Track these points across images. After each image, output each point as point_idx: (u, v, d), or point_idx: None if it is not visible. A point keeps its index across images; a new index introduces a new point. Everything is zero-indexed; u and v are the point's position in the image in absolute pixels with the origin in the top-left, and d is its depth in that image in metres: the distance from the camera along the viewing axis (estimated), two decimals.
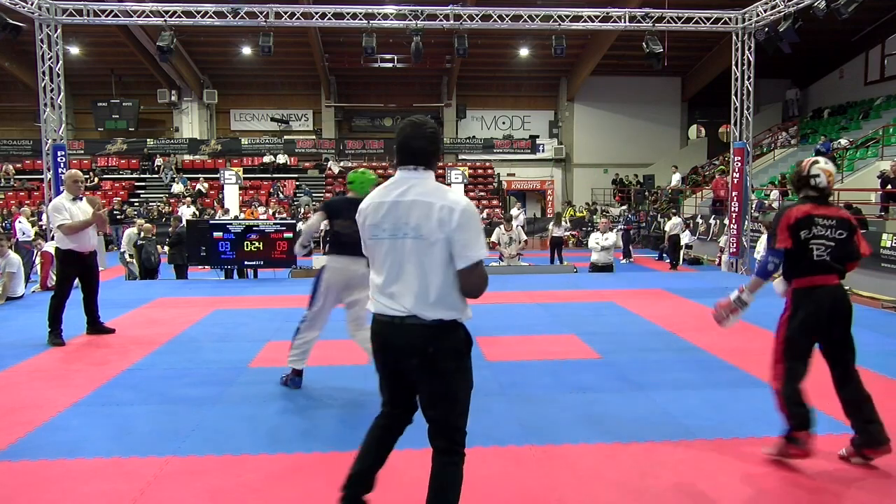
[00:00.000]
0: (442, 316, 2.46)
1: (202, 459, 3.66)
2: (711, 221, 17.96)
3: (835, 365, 3.64)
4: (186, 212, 19.44)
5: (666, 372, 5.28)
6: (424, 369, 2.49)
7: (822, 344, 3.61)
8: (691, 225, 19.21)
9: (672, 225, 16.60)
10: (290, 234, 11.00)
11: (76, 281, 6.48)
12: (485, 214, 21.47)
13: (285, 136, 26.84)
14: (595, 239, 11.90)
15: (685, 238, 17.91)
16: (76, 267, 6.35)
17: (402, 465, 3.56)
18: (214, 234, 10.76)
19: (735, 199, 12.78)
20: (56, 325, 6.30)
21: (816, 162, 3.71)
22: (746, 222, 12.91)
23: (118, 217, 21.27)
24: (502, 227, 12.72)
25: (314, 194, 24.08)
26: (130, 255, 12.34)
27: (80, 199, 6.43)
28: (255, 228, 10.90)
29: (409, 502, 3.21)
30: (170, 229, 13.33)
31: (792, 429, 3.52)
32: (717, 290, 9.61)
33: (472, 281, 2.47)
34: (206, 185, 23.90)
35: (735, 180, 12.75)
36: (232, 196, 18.04)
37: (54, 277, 9.58)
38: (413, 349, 2.47)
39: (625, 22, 12.68)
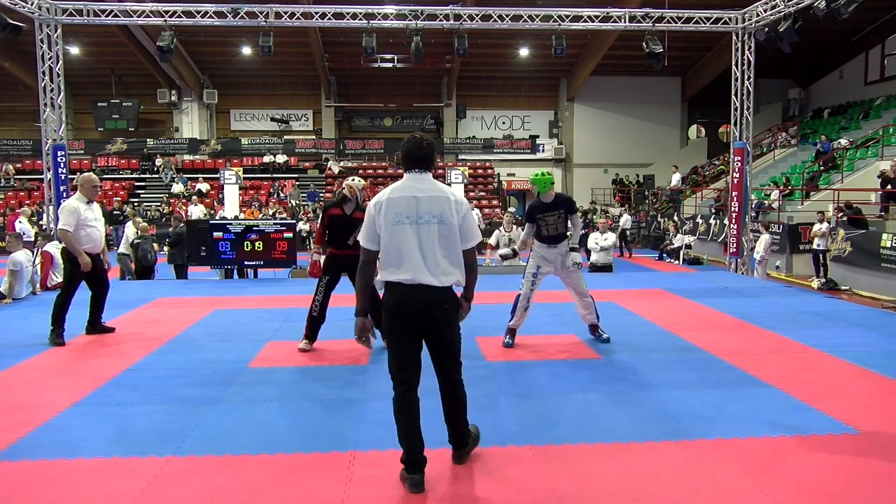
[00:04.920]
0: (454, 281, 3.35)
1: (202, 459, 3.66)
2: (711, 221, 17.96)
3: None
4: (195, 210, 19.51)
5: (666, 372, 5.28)
6: (441, 320, 3.30)
7: None
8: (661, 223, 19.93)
9: (624, 220, 19.75)
10: (290, 235, 11.01)
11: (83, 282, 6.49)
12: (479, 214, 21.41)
13: (285, 136, 26.85)
14: (595, 239, 11.90)
15: (684, 239, 17.96)
16: (91, 268, 6.32)
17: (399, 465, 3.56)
18: (214, 234, 10.77)
19: (735, 199, 12.78)
20: (59, 325, 6.30)
21: None
22: (746, 222, 12.91)
23: (119, 218, 21.28)
24: (502, 228, 12.71)
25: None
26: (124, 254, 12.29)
27: (92, 202, 6.46)
28: (255, 228, 10.91)
29: (408, 501, 3.21)
30: (170, 229, 13.31)
31: None
32: (718, 289, 9.62)
33: (471, 260, 3.45)
34: (206, 185, 23.89)
35: (735, 180, 12.75)
36: (232, 196, 18.03)
37: (54, 277, 9.66)
38: (435, 305, 3.28)
39: (625, 22, 12.68)
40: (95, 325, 6.67)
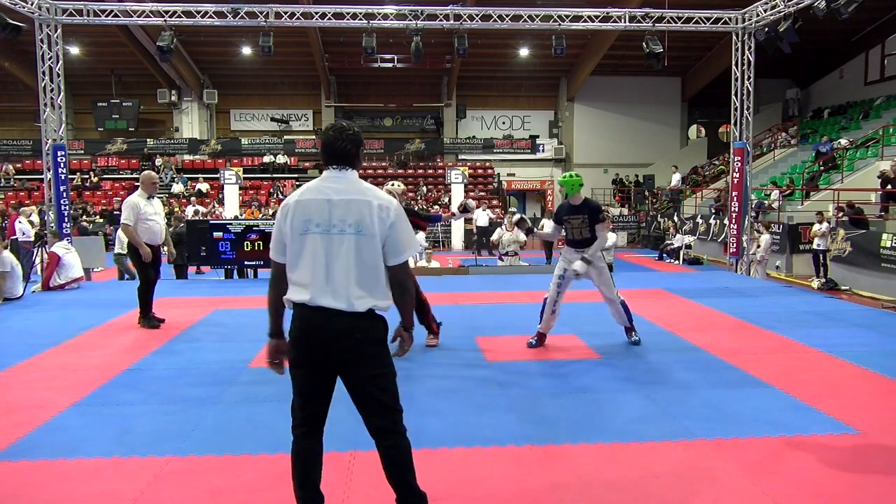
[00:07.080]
0: (371, 306, 2.67)
1: (202, 459, 3.66)
2: (711, 221, 17.96)
3: None
4: (190, 210, 19.56)
5: (666, 372, 5.29)
6: (353, 354, 2.68)
7: None
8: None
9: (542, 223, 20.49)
10: None
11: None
12: (485, 214, 21.38)
13: (285, 136, 26.84)
14: None
15: (684, 239, 17.96)
16: (151, 258, 6.81)
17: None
18: (214, 234, 10.77)
19: (735, 199, 12.78)
20: (148, 310, 7.01)
21: None
22: (746, 222, 12.91)
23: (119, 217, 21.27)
24: (504, 227, 12.76)
25: None
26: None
27: (153, 197, 6.92)
28: (255, 228, 10.91)
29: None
30: (170, 229, 13.28)
31: None
32: (718, 289, 9.62)
33: (401, 277, 2.75)
34: (206, 185, 23.88)
35: (735, 180, 12.75)
36: (232, 196, 18.04)
37: (58, 279, 9.67)
38: (342, 335, 2.65)
39: (625, 22, 12.68)
40: (149, 318, 7.01)
